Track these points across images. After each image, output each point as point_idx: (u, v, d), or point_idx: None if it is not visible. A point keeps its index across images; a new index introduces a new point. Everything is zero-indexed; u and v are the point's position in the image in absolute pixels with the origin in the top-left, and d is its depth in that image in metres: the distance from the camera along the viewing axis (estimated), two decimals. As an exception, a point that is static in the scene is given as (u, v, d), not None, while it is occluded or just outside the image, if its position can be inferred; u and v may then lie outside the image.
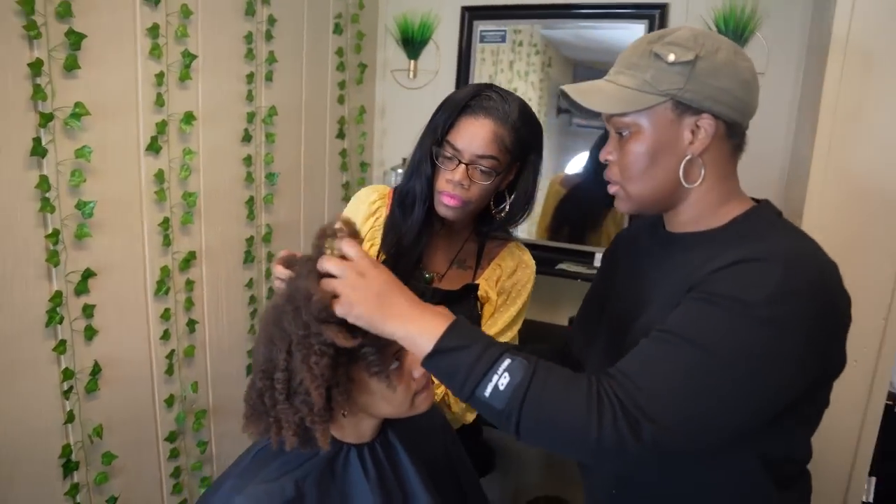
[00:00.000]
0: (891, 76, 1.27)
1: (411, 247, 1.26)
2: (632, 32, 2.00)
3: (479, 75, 2.24)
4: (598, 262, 2.12)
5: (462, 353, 0.77)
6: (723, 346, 0.75)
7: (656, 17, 1.94)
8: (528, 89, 2.20)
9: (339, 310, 0.80)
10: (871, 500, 1.45)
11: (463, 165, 1.16)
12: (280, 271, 0.92)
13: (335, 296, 0.81)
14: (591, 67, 2.19)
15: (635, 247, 1.07)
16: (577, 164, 2.23)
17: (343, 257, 0.83)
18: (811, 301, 0.76)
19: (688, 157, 0.86)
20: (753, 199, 0.93)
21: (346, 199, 2.27)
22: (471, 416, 1.32)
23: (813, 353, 0.78)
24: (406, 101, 2.36)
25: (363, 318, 0.80)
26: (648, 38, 0.88)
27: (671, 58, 0.83)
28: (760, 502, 0.90)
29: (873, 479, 1.43)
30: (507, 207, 1.26)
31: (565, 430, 0.74)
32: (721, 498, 0.90)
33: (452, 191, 1.18)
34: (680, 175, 0.87)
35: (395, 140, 2.41)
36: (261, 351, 0.90)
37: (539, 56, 2.19)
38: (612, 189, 0.95)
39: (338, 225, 0.86)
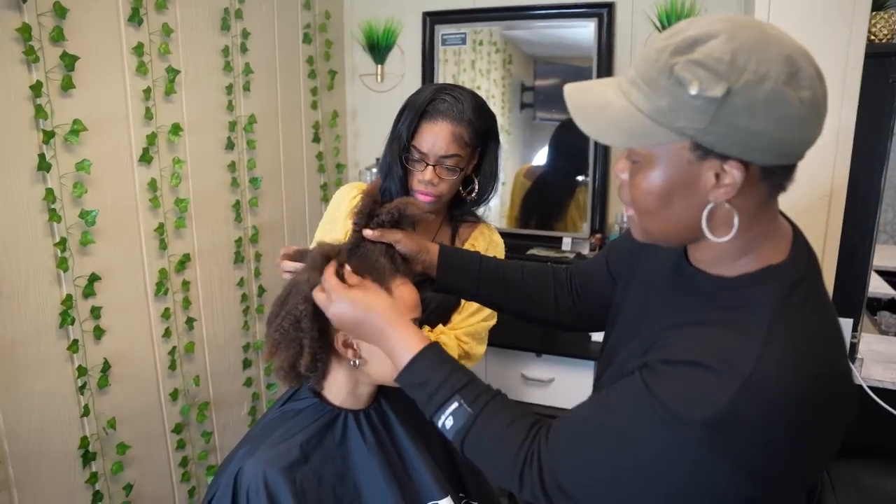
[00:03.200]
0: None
1: None
2: (585, 30, 2.15)
3: (444, 76, 2.38)
4: (566, 247, 2.28)
5: (418, 390, 0.87)
6: (649, 456, 0.71)
7: (604, 15, 2.09)
8: (491, 86, 2.34)
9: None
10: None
11: (430, 167, 1.30)
12: (288, 265, 1.08)
13: None
14: (550, 63, 2.33)
15: (659, 254, 0.91)
16: (541, 156, 2.38)
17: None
18: (762, 427, 0.66)
19: (710, 206, 0.70)
20: (793, 224, 0.80)
21: (325, 199, 2.40)
22: None
23: (753, 478, 0.69)
24: (376, 103, 2.49)
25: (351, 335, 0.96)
26: (674, 46, 0.66)
27: (693, 90, 0.63)
28: None
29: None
30: (476, 188, 1.40)
31: (493, 473, 0.84)
32: None
33: (425, 189, 1.32)
34: (703, 224, 0.71)
35: (368, 141, 2.54)
36: (305, 283, 1.00)
37: (500, 54, 2.33)
38: (627, 212, 0.80)
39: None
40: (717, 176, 0.67)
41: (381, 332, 0.90)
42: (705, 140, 0.66)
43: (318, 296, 0.95)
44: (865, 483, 1.65)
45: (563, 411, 2.11)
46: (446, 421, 0.83)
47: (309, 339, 0.99)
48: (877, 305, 2.72)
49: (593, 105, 0.73)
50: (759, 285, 0.73)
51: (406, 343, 0.88)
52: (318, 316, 0.99)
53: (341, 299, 0.92)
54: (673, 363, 0.72)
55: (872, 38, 1.57)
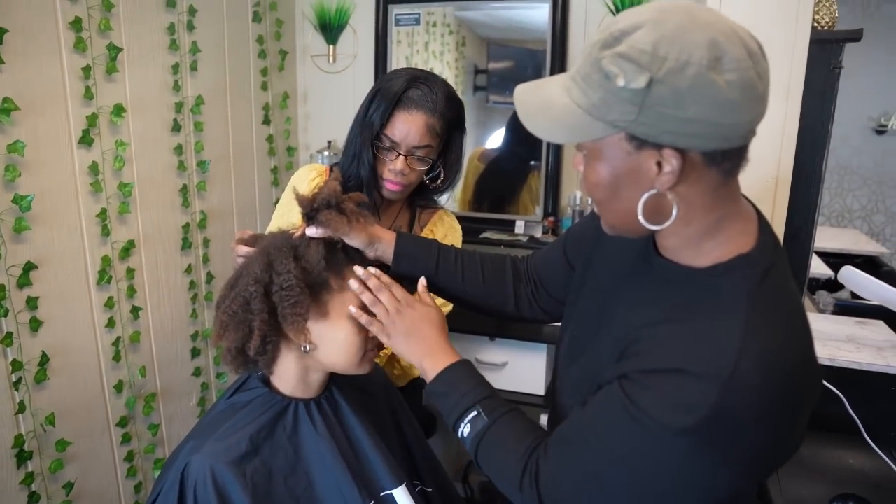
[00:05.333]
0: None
1: None
2: (539, 12, 2.14)
3: (397, 57, 2.34)
4: (519, 230, 2.29)
5: (443, 399, 0.93)
6: (641, 468, 0.72)
7: (559, -3, 2.09)
8: (444, 69, 2.32)
9: (379, 335, 1.00)
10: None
11: (402, 156, 1.29)
12: (243, 249, 1.05)
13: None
14: (503, 46, 2.32)
15: (622, 238, 0.86)
16: (494, 139, 2.37)
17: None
18: (748, 422, 0.68)
19: (652, 192, 0.71)
20: (755, 206, 0.80)
21: (276, 182, 2.34)
22: (417, 371, 1.44)
23: (746, 471, 0.71)
24: (327, 85, 2.43)
25: (394, 348, 0.99)
26: (603, 41, 0.67)
27: (620, 82, 0.64)
28: None
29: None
30: (441, 175, 1.39)
31: (500, 482, 0.88)
32: None
33: (395, 178, 1.31)
34: (639, 212, 0.72)
35: (319, 124, 2.48)
36: (256, 265, 0.98)
37: (453, 36, 2.31)
38: (594, 205, 0.82)
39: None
40: (659, 164, 0.68)
41: (427, 347, 0.97)
42: (637, 131, 0.67)
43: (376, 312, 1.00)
44: (802, 453, 1.69)
45: (518, 395, 2.13)
46: (464, 428, 0.89)
47: (258, 321, 0.96)
48: (815, 285, 2.83)
49: (538, 106, 0.75)
50: (731, 275, 0.73)
51: (439, 355, 0.95)
52: (269, 297, 0.97)
53: (405, 307, 0.99)
54: (652, 372, 0.72)
55: (816, 24, 1.62)
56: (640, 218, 0.72)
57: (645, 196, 0.71)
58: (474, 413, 0.89)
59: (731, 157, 0.69)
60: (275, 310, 0.98)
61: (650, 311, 0.78)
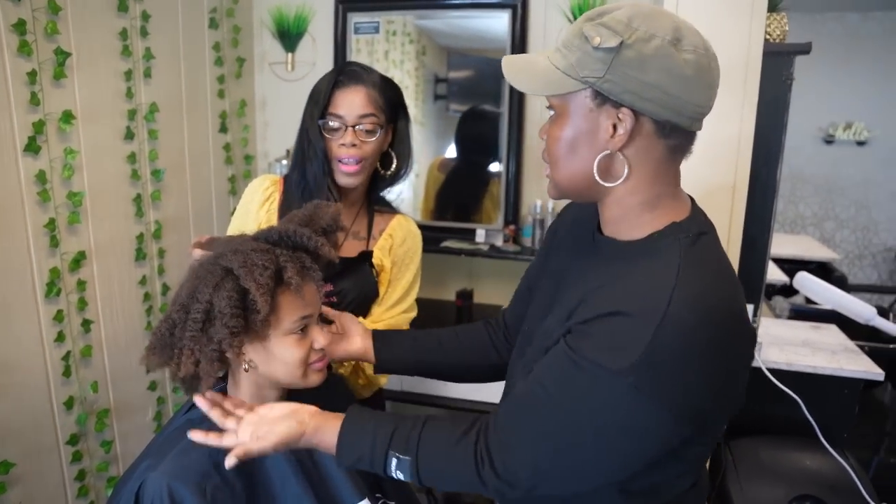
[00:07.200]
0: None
1: None
2: (498, 21, 2.16)
3: (358, 66, 2.32)
4: (480, 238, 2.29)
5: (360, 464, 0.90)
6: (587, 415, 0.77)
7: (518, 7, 2.10)
8: (405, 77, 2.31)
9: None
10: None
11: (350, 128, 1.30)
12: (199, 254, 1.03)
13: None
14: (464, 55, 2.32)
15: (575, 231, 1.00)
16: (454, 148, 2.36)
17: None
18: (682, 362, 0.73)
19: (606, 152, 0.80)
20: (693, 199, 0.89)
21: (233, 192, 2.30)
22: (384, 380, 1.42)
23: (683, 416, 0.76)
24: (286, 93, 2.40)
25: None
26: (587, 16, 0.80)
27: (596, 41, 0.75)
28: None
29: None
30: (395, 162, 1.42)
31: (463, 488, 0.90)
32: None
33: (347, 153, 1.31)
34: (594, 166, 0.81)
35: (278, 131, 2.45)
36: (184, 290, 0.95)
37: (413, 45, 2.31)
38: (545, 172, 0.89)
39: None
40: (614, 126, 0.79)
41: (309, 443, 0.93)
42: (603, 87, 0.77)
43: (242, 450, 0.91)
44: (762, 457, 1.75)
45: (484, 404, 2.13)
46: (399, 475, 0.88)
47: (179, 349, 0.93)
48: (772, 291, 2.91)
49: (522, 66, 0.87)
50: (666, 238, 0.82)
51: (321, 434, 0.92)
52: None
53: (266, 448, 0.92)
54: (592, 320, 0.78)
55: (768, 37, 1.66)
56: (595, 173, 0.81)
57: (600, 156, 0.81)
58: (394, 461, 0.87)
59: (678, 136, 0.80)
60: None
61: (596, 280, 0.85)
